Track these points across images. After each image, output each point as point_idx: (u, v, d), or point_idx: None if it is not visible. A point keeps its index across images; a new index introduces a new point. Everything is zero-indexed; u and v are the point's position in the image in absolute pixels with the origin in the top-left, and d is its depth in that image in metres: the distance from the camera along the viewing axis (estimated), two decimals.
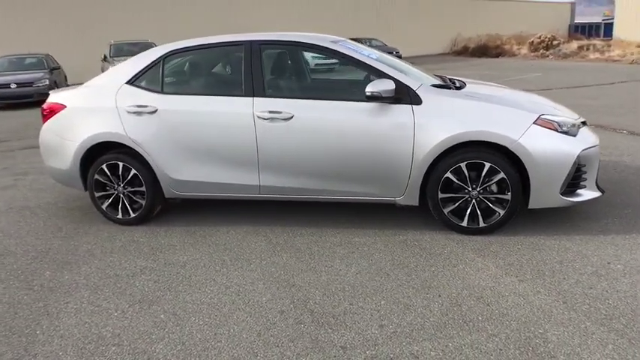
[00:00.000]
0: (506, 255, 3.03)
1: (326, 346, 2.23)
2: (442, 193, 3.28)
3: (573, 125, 3.29)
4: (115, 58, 14.12)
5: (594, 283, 2.64)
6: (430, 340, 2.23)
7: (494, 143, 3.13)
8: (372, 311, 2.50)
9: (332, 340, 2.27)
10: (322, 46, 3.49)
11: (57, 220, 4.14)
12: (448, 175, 3.23)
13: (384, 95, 3.16)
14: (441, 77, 3.90)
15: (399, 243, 3.30)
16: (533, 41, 23.90)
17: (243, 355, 2.20)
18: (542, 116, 3.19)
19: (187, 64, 3.90)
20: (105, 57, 14.79)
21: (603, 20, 42.02)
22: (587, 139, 3.28)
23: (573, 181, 3.22)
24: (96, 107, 3.77)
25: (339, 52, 3.43)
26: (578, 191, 3.26)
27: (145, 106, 3.62)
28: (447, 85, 3.55)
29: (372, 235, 3.44)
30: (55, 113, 3.90)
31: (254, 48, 3.52)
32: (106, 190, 3.87)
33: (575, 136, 3.23)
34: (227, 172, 3.57)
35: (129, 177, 3.76)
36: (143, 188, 3.77)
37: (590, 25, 43.17)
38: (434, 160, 3.21)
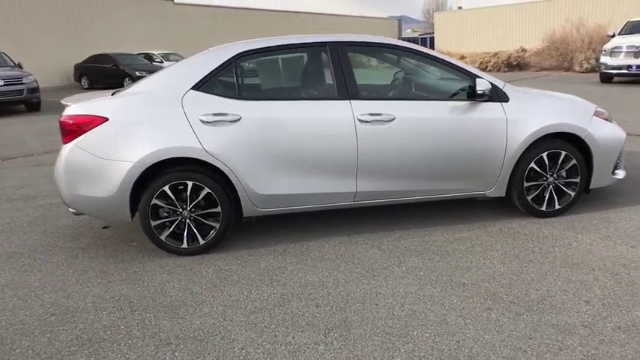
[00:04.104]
0: (596, 229, 3.48)
1: (569, 327, 2.33)
2: (526, 182, 3.61)
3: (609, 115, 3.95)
4: None
5: None
6: (638, 307, 2.50)
7: (568, 133, 3.58)
8: (562, 291, 2.67)
9: (567, 322, 2.37)
10: (409, 48, 3.52)
11: (83, 262, 3.32)
12: (532, 165, 3.57)
13: (487, 93, 3.35)
14: None
15: (499, 233, 3.52)
16: None
17: (515, 354, 2.16)
18: (597, 109, 3.76)
19: (264, 66, 3.51)
20: None
21: (420, 36, 48.99)
22: (619, 126, 3.96)
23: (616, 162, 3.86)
24: (156, 118, 3.15)
25: (426, 53, 3.51)
26: (616, 171, 3.91)
27: (225, 114, 3.17)
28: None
29: (467, 230, 3.59)
30: (90, 128, 3.13)
31: (340, 49, 3.37)
32: (166, 217, 3.25)
33: (613, 124, 3.88)
34: (322, 180, 3.34)
35: (199, 198, 3.23)
36: (217, 209, 3.27)
37: (410, 39, 49.84)
38: (522, 152, 3.52)
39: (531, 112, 3.53)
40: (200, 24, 27.50)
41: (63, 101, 3.40)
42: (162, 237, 3.27)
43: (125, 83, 17.60)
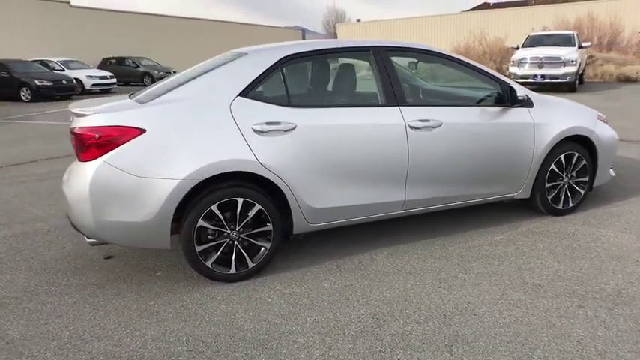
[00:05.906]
0: (609, 223, 3.78)
1: None
2: (547, 183, 3.81)
3: None
4: None
5: None
6: None
7: (580, 135, 3.85)
8: (629, 283, 2.84)
9: None
10: (447, 55, 3.53)
11: (109, 301, 2.82)
12: (552, 166, 3.78)
13: (525, 99, 3.49)
14: None
15: (530, 233, 3.66)
16: None
17: (639, 348, 2.24)
18: (598, 113, 4.10)
19: (309, 70, 3.26)
20: None
21: None
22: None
23: None
24: (203, 127, 2.78)
25: (463, 61, 3.54)
26: (610, 170, 4.29)
27: (278, 123, 2.90)
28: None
29: (501, 232, 3.68)
30: (123, 141, 2.67)
31: (383, 54, 3.28)
32: (212, 240, 2.88)
33: None
34: (373, 190, 3.21)
35: (249, 216, 2.91)
36: (269, 227, 2.98)
37: None
38: (546, 155, 3.71)
39: (553, 117, 3.74)
40: (99, 29, 25.43)
41: (72, 108, 2.86)
42: (208, 263, 2.89)
43: (22, 94, 15.62)
